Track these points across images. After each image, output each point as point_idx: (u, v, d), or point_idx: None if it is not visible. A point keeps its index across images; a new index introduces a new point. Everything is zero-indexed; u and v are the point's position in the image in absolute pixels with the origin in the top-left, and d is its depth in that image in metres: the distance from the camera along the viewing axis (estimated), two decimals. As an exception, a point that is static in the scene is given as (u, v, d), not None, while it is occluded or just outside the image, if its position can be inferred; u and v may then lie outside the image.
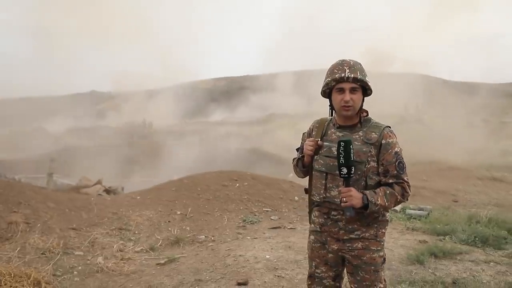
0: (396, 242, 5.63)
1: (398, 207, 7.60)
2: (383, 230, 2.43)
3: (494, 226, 6.28)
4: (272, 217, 7.30)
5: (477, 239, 5.63)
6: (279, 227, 6.71)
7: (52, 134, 39.92)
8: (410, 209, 7.83)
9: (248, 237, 6.08)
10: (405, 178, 2.33)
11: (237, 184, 8.40)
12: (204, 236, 6.29)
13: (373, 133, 2.35)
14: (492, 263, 4.77)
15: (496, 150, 19.13)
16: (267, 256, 4.86)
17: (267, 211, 7.60)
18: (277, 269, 4.48)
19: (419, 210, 7.73)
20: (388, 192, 2.29)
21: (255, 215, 7.34)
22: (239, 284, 4.08)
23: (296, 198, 8.33)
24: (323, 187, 2.41)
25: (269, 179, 9.15)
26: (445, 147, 21.81)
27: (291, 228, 6.66)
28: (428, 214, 7.48)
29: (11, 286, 4.12)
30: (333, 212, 2.41)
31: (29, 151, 24.45)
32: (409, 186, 2.34)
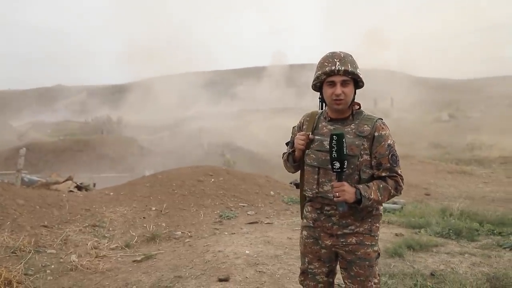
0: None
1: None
2: (377, 224, 2.41)
3: (466, 218, 6.45)
4: (248, 212, 7.26)
5: (451, 231, 5.76)
6: (256, 222, 6.68)
7: (17, 129, 38.79)
8: (385, 202, 7.93)
9: (226, 233, 6.02)
10: (399, 171, 2.30)
11: (213, 179, 8.32)
12: (180, 232, 6.19)
13: (365, 126, 2.30)
14: (467, 255, 4.87)
15: (463, 144, 19.67)
16: (246, 252, 4.81)
17: (243, 206, 7.55)
18: (257, 264, 4.44)
19: (393, 204, 7.84)
20: (381, 186, 2.26)
21: (232, 210, 7.29)
22: (220, 280, 4.02)
23: (272, 193, 8.32)
24: (316, 182, 2.36)
25: (245, 174, 9.11)
26: (414, 142, 22.27)
27: (268, 223, 6.63)
28: (402, 207, 7.61)
29: (-20, 287, 3.96)
30: (326, 207, 2.36)
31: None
32: (402, 179, 2.32)
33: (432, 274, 4.20)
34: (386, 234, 5.75)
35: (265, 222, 6.71)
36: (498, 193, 10.22)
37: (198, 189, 7.82)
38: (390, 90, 42.32)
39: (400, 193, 2.35)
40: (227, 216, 6.93)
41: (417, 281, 3.95)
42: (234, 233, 5.93)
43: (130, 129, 31.89)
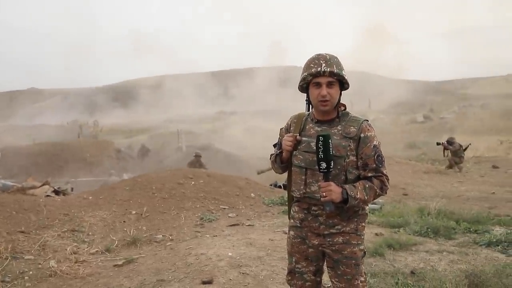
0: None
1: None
2: (363, 224, 2.46)
3: (443, 217, 6.58)
4: (229, 215, 7.25)
5: (429, 230, 5.86)
6: (237, 224, 6.68)
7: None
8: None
9: (207, 235, 6.00)
10: (384, 172, 2.35)
11: (193, 182, 8.28)
12: (161, 236, 6.15)
13: (351, 127, 2.34)
14: (445, 253, 4.98)
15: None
16: (229, 254, 4.81)
17: (224, 208, 7.54)
18: (241, 266, 4.44)
19: (372, 204, 7.95)
20: (367, 186, 2.30)
21: (213, 212, 7.27)
22: (204, 282, 4.01)
23: (253, 195, 8.33)
24: (303, 182, 2.40)
25: (225, 177, 9.09)
26: (390, 143, 22.61)
27: (249, 225, 6.64)
28: (381, 207, 7.71)
29: (-45, 295, 3.86)
30: (313, 207, 2.40)
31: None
32: (387, 179, 2.37)
33: (412, 272, 4.29)
34: (367, 234, 5.71)
35: (247, 224, 6.72)
36: (473, 192, 10.46)
37: (179, 192, 7.78)
38: (367, 92, 42.91)
39: (386, 193, 2.40)
40: (208, 218, 6.91)
41: (398, 279, 4.02)
42: (216, 236, 5.92)
43: (106, 132, 31.50)
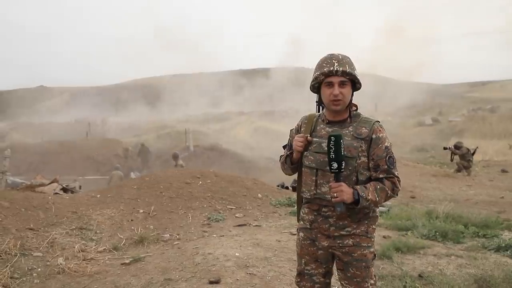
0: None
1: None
2: (373, 226, 2.45)
3: (452, 221, 6.55)
4: (236, 215, 7.26)
5: (437, 233, 5.83)
6: (244, 225, 6.68)
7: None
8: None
9: (214, 235, 6.01)
10: (395, 173, 2.35)
11: (200, 182, 8.29)
12: (168, 235, 6.16)
13: (363, 128, 2.34)
14: (453, 257, 4.95)
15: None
16: (236, 254, 4.81)
17: (231, 208, 7.54)
18: (248, 266, 4.44)
19: (380, 207, 7.91)
20: (378, 187, 2.30)
21: (220, 212, 7.27)
22: (211, 282, 4.01)
23: (260, 195, 8.32)
24: (314, 183, 2.39)
25: (232, 177, 9.09)
26: (398, 145, 22.53)
27: (256, 226, 6.64)
28: (388, 210, 7.68)
29: (-35, 291, 3.90)
30: (323, 209, 2.39)
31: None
32: (399, 181, 2.36)
33: (420, 276, 4.27)
34: (374, 237, 5.80)
35: (254, 224, 6.72)
36: (481, 196, 10.40)
37: (186, 191, 7.79)
38: (374, 94, 42.75)
39: (397, 194, 2.39)
40: (215, 218, 6.91)
41: (406, 282, 4.00)
42: (223, 236, 5.92)
43: (114, 131, 31.63)
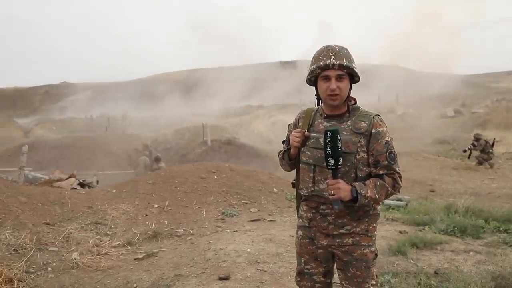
0: (377, 233, 5.61)
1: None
2: (374, 225, 2.35)
3: (472, 215, 6.37)
4: (251, 209, 7.22)
5: (456, 228, 5.67)
6: (258, 220, 6.63)
7: (22, 126, 38.97)
8: (389, 199, 7.88)
9: (228, 230, 5.98)
10: (397, 169, 2.25)
11: (215, 176, 8.27)
12: (182, 230, 6.16)
13: (362, 122, 2.24)
14: (472, 252, 4.80)
15: (469, 140, 19.52)
16: (248, 250, 4.77)
17: (246, 203, 7.50)
18: (259, 262, 4.40)
19: (397, 201, 7.78)
20: (378, 183, 2.20)
21: (234, 207, 7.24)
22: (220, 279, 3.98)
23: (275, 190, 8.26)
24: (311, 180, 2.31)
25: (248, 171, 9.04)
26: (419, 138, 22.14)
27: (270, 220, 6.59)
28: (406, 204, 7.54)
29: (-19, 285, 3.95)
30: (322, 206, 2.31)
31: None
32: (400, 177, 2.26)
33: (436, 273, 4.15)
34: (390, 232, 5.69)
35: (268, 219, 6.67)
36: (505, 189, 10.11)
37: (201, 186, 7.78)
38: (395, 86, 42.11)
39: (398, 191, 2.29)
40: (230, 213, 6.89)
41: (420, 279, 3.90)
42: (236, 231, 5.89)
43: (134, 126, 31.92)
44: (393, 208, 7.29)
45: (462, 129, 24.82)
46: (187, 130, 24.97)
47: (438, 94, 42.41)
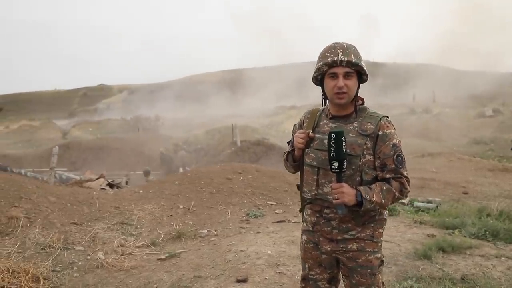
0: (403, 236, 5.46)
1: (405, 200, 7.42)
2: (380, 230, 2.24)
3: (506, 219, 6.10)
4: (276, 211, 7.16)
5: (487, 232, 5.44)
6: (283, 221, 6.57)
7: (61, 127, 40.24)
8: (418, 201, 7.65)
9: (251, 232, 5.96)
10: (404, 173, 2.14)
11: (241, 177, 8.26)
12: (206, 231, 6.17)
13: (369, 124, 2.15)
14: (503, 258, 4.60)
15: (508, 140, 18.80)
16: (269, 252, 4.72)
17: (271, 204, 7.46)
18: (278, 265, 4.35)
19: (427, 203, 7.55)
20: (384, 188, 2.10)
21: (259, 208, 7.21)
22: (238, 281, 3.95)
23: (302, 191, 8.17)
24: (315, 183, 2.24)
25: (274, 172, 9.00)
26: (455, 138, 21.52)
27: (295, 222, 6.51)
28: (437, 206, 7.31)
29: (8, 282, 4.05)
30: (325, 210, 2.23)
31: (38, 145, 24.56)
32: (408, 181, 2.15)
33: (462, 279, 3.98)
34: (417, 235, 5.52)
35: (293, 221, 6.59)
36: (544, 192, 9.64)
37: (227, 187, 7.78)
38: (431, 85, 41.10)
39: (406, 196, 2.18)
40: (255, 214, 6.86)
41: (445, 285, 3.75)
42: (259, 232, 5.85)
43: (166, 127, 32.41)
44: (422, 211, 7.08)
45: (501, 129, 23.92)
46: (218, 131, 25.15)
47: (478, 93, 41.11)
